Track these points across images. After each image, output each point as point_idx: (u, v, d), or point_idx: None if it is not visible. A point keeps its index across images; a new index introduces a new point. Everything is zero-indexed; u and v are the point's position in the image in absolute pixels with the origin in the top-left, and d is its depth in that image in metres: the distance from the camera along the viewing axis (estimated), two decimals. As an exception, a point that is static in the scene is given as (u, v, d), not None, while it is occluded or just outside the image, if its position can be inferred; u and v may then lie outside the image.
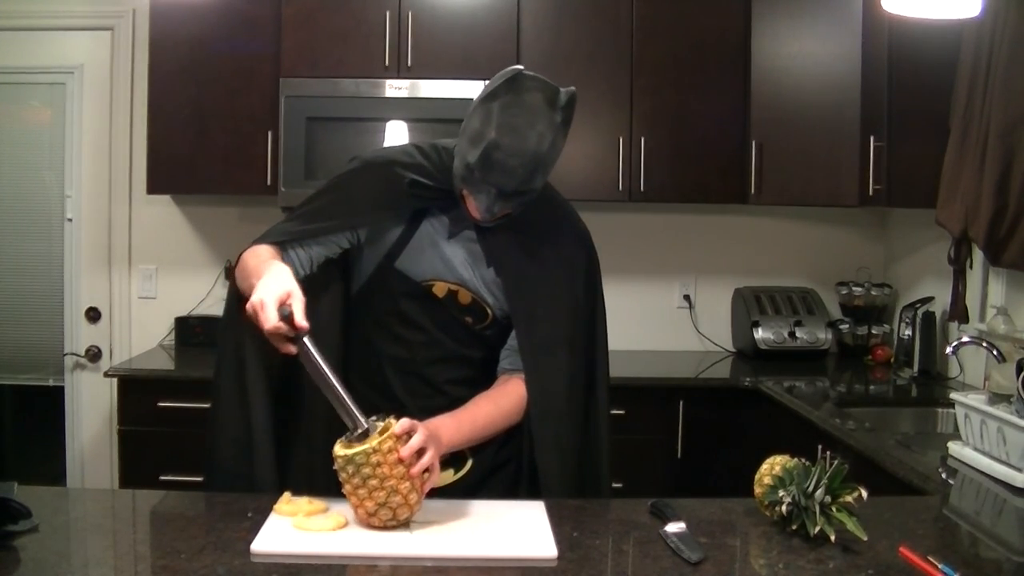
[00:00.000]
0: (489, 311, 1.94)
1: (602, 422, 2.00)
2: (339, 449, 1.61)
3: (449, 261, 1.92)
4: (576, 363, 1.95)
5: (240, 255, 1.87)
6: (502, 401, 1.90)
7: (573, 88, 1.78)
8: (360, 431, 1.62)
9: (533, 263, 1.92)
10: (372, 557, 1.53)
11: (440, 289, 1.92)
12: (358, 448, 1.58)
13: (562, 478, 1.90)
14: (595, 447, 1.98)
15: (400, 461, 1.59)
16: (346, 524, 1.62)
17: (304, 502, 1.68)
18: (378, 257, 1.94)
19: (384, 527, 1.60)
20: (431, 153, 1.91)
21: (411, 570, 1.50)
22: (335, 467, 1.61)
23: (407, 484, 1.59)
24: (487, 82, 1.79)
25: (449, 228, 1.91)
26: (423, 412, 1.81)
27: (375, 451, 1.57)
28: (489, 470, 1.96)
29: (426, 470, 1.63)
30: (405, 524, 1.61)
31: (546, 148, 1.72)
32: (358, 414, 1.63)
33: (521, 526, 1.65)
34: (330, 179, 1.98)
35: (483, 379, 1.98)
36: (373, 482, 1.57)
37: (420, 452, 1.62)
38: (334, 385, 1.64)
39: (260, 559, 1.48)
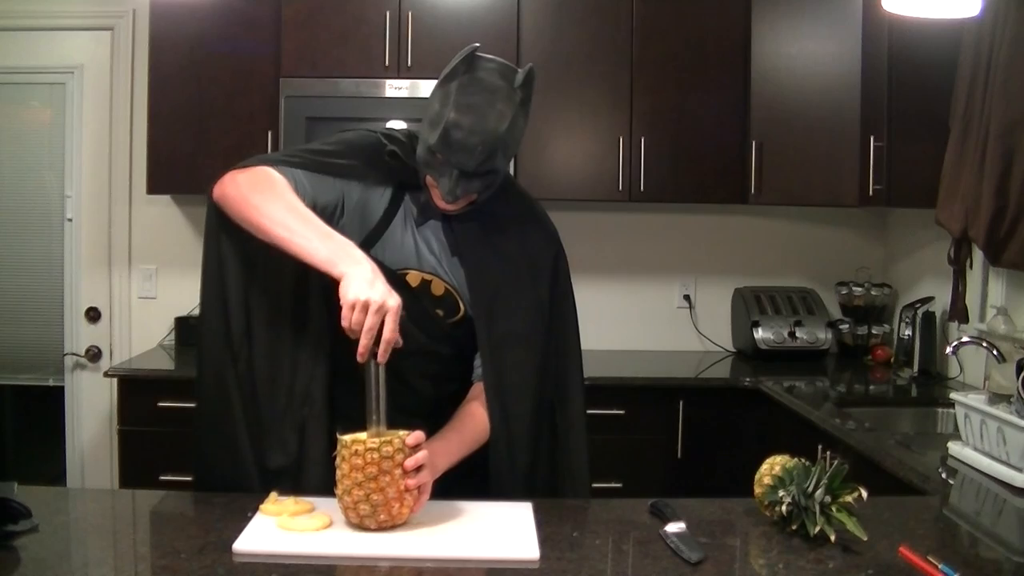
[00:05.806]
0: (462, 305, 1.93)
1: (578, 428, 1.97)
2: (344, 436, 1.63)
3: (420, 250, 1.91)
4: (533, 362, 1.92)
5: (227, 177, 1.76)
6: (479, 414, 1.88)
7: (531, 64, 1.79)
8: (373, 432, 1.63)
9: (496, 257, 1.91)
10: (355, 557, 1.52)
11: (414, 279, 1.91)
12: (362, 439, 1.60)
13: (511, 476, 1.87)
14: (571, 453, 1.95)
15: (402, 470, 1.60)
16: (330, 524, 1.62)
17: (290, 502, 1.68)
18: (356, 241, 1.88)
19: (360, 523, 1.59)
20: (402, 138, 1.93)
21: (394, 570, 1.49)
22: (335, 452, 1.62)
23: (394, 491, 1.59)
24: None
25: (417, 217, 1.91)
26: (391, 409, 1.81)
27: (377, 449, 1.59)
28: (462, 474, 1.89)
29: (419, 490, 1.63)
30: (385, 529, 1.60)
31: (506, 126, 1.73)
32: (383, 420, 1.64)
33: (506, 527, 1.64)
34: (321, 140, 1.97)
35: (450, 375, 1.98)
36: (371, 471, 1.57)
37: (418, 468, 1.62)
38: (380, 390, 1.64)
39: (241, 558, 1.48)
